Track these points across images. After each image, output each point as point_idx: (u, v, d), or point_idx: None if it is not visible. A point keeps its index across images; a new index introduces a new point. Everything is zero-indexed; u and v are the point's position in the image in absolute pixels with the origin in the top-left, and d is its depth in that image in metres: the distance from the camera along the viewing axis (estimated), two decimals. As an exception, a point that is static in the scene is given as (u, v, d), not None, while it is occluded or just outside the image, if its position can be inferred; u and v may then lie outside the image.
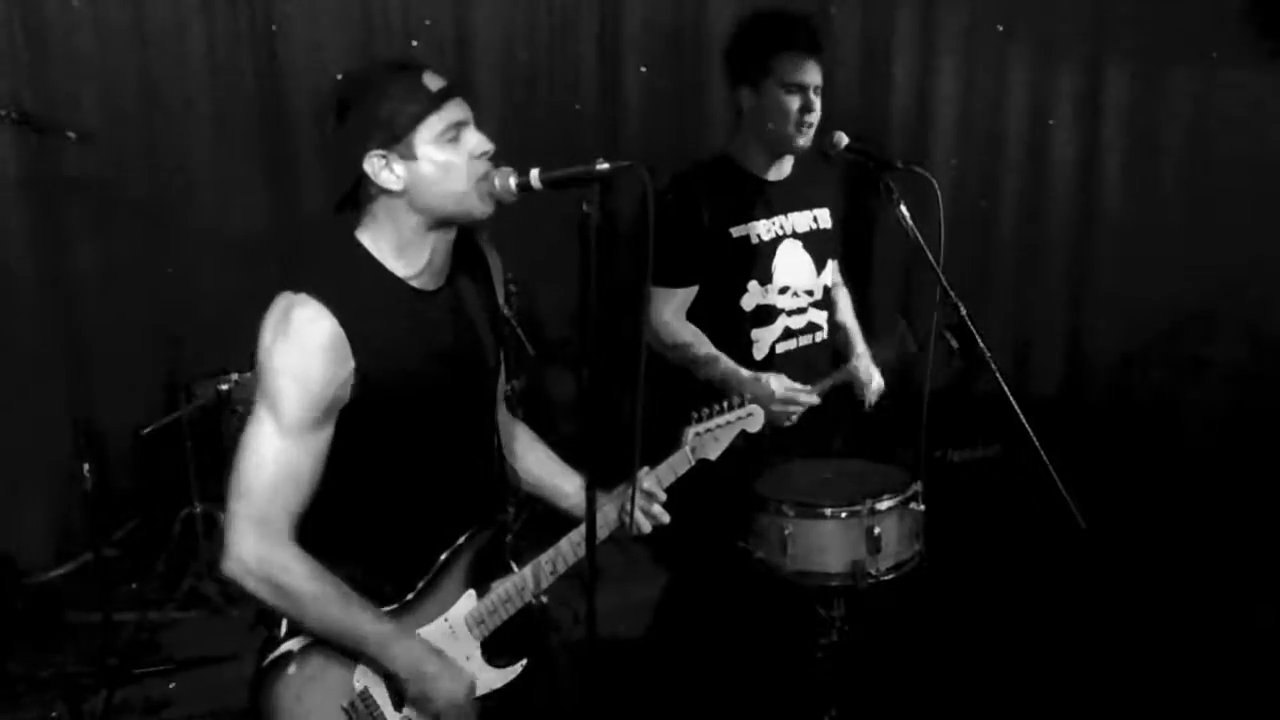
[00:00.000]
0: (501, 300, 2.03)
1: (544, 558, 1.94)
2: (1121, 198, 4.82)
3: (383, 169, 1.69)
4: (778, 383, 2.57)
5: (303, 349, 1.65)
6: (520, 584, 1.93)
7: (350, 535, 1.80)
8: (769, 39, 2.61)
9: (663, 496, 2.02)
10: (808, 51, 2.61)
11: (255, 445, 1.67)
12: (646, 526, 2.00)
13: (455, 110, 1.71)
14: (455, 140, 1.71)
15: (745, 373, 2.61)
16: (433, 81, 1.71)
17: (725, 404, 2.14)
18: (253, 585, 1.68)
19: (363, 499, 1.80)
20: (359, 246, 1.76)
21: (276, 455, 1.66)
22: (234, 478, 1.68)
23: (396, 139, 1.68)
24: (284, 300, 1.68)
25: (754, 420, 2.16)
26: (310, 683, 1.78)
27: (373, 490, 1.80)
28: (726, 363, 2.63)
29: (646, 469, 2.02)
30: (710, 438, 2.11)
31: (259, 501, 1.67)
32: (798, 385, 2.59)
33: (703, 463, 2.11)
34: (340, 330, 1.66)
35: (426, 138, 1.69)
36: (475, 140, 1.72)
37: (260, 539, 1.67)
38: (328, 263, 1.77)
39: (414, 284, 1.78)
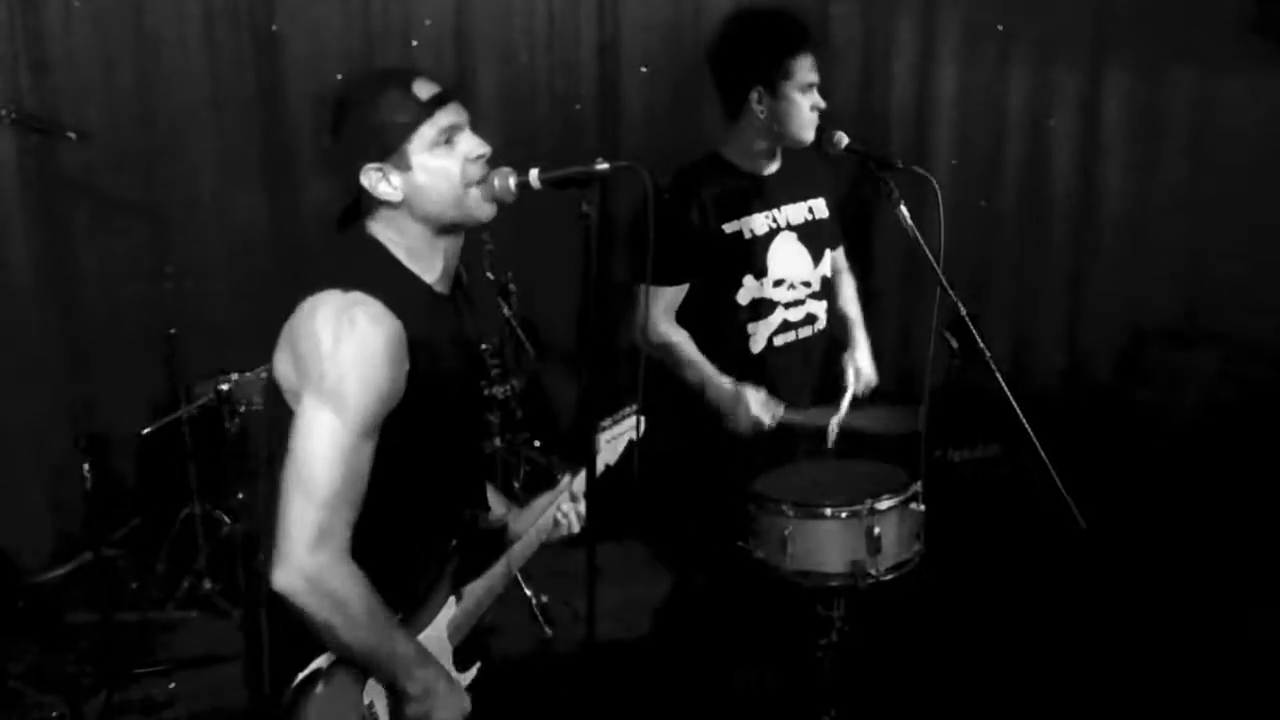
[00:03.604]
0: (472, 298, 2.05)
1: (501, 562, 1.95)
2: (1121, 198, 4.81)
3: (380, 181, 1.68)
4: (754, 396, 2.55)
5: (371, 349, 1.60)
6: (488, 586, 1.94)
7: (367, 544, 1.77)
8: (786, 43, 2.61)
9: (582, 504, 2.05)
10: (816, 51, 2.65)
11: (321, 448, 1.59)
12: (577, 527, 2.02)
13: (448, 115, 1.70)
14: (449, 144, 1.70)
15: (724, 381, 2.60)
16: (423, 89, 1.69)
17: (621, 412, 2.15)
18: (308, 599, 1.60)
19: (382, 505, 1.74)
20: (383, 249, 1.73)
21: (347, 456, 1.60)
22: (295, 482, 1.59)
23: (390, 150, 1.67)
24: (337, 298, 1.62)
25: (638, 421, 2.17)
26: (331, 701, 1.74)
27: (392, 496, 1.75)
28: (707, 369, 2.62)
29: (568, 475, 2.04)
30: (615, 444, 2.13)
31: (326, 508, 1.59)
32: (774, 401, 2.58)
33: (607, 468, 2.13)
34: (403, 331, 1.63)
35: (420, 147, 1.68)
36: (471, 144, 1.71)
37: (322, 550, 1.59)
38: (366, 263, 1.72)
39: (436, 288, 1.77)
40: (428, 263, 1.76)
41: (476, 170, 1.71)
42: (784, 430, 2.60)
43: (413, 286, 1.73)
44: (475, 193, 1.71)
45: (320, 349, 1.60)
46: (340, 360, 1.59)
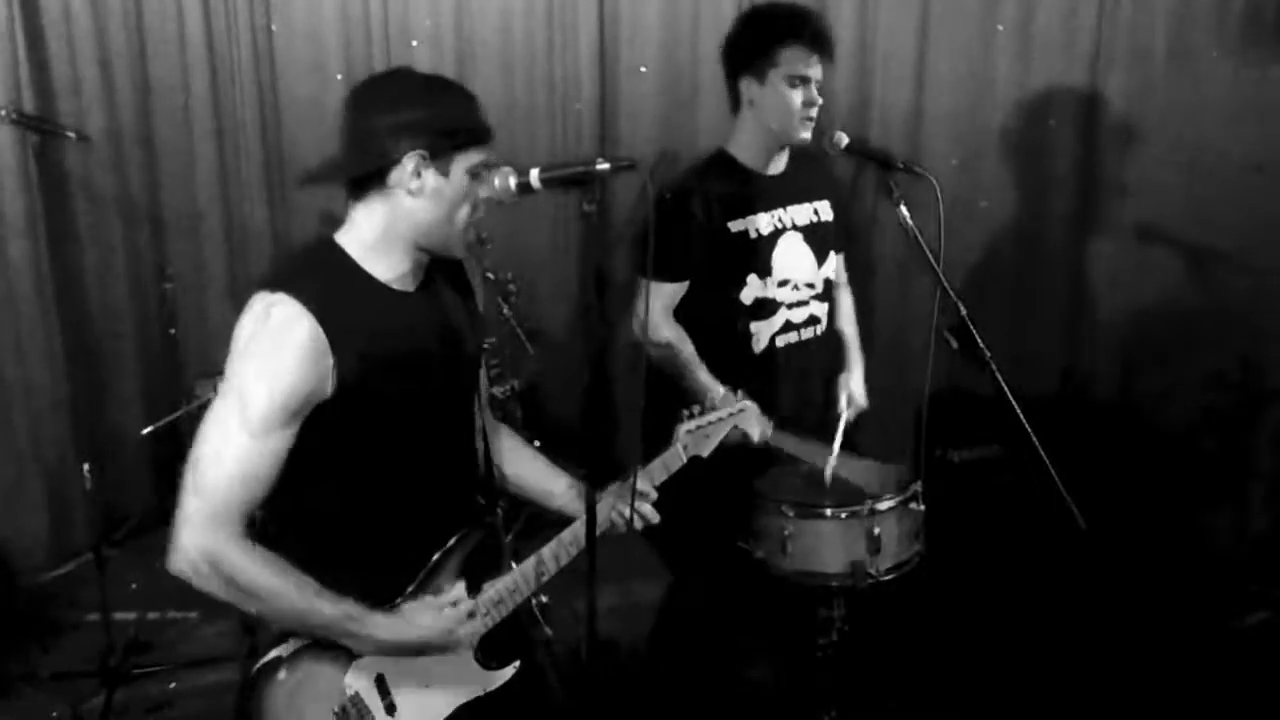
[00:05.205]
0: (480, 301, 2.05)
1: (533, 559, 1.95)
2: (1121, 197, 4.81)
3: (415, 170, 1.70)
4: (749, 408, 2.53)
5: (278, 348, 1.65)
6: (512, 586, 1.94)
7: (340, 538, 1.79)
8: (776, 31, 2.61)
9: (653, 496, 2.05)
10: (813, 45, 2.62)
11: (214, 441, 1.66)
12: (637, 525, 2.02)
13: (490, 152, 1.76)
14: (477, 178, 1.74)
15: (719, 388, 2.58)
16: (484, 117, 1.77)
17: (712, 404, 2.16)
18: (203, 581, 1.67)
19: (350, 500, 1.80)
20: (338, 249, 1.77)
21: (236, 453, 1.65)
22: (189, 471, 1.66)
23: (440, 152, 1.71)
24: (262, 300, 1.68)
25: (746, 417, 2.17)
26: (300, 688, 1.77)
27: (360, 491, 1.80)
28: (703, 374, 2.61)
29: (639, 468, 2.04)
30: (701, 435, 2.12)
31: (213, 498, 1.65)
32: (765, 418, 2.54)
33: (695, 459, 2.11)
34: (319, 330, 1.66)
35: (464, 164, 1.73)
36: (497, 185, 1.74)
37: (210, 534, 1.65)
38: (306, 264, 1.78)
39: (393, 286, 1.79)
40: (392, 262, 1.78)
41: (479, 214, 1.77)
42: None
43: (361, 285, 1.76)
44: (460, 236, 1.78)
45: (236, 346, 1.69)
46: (248, 357, 1.67)
